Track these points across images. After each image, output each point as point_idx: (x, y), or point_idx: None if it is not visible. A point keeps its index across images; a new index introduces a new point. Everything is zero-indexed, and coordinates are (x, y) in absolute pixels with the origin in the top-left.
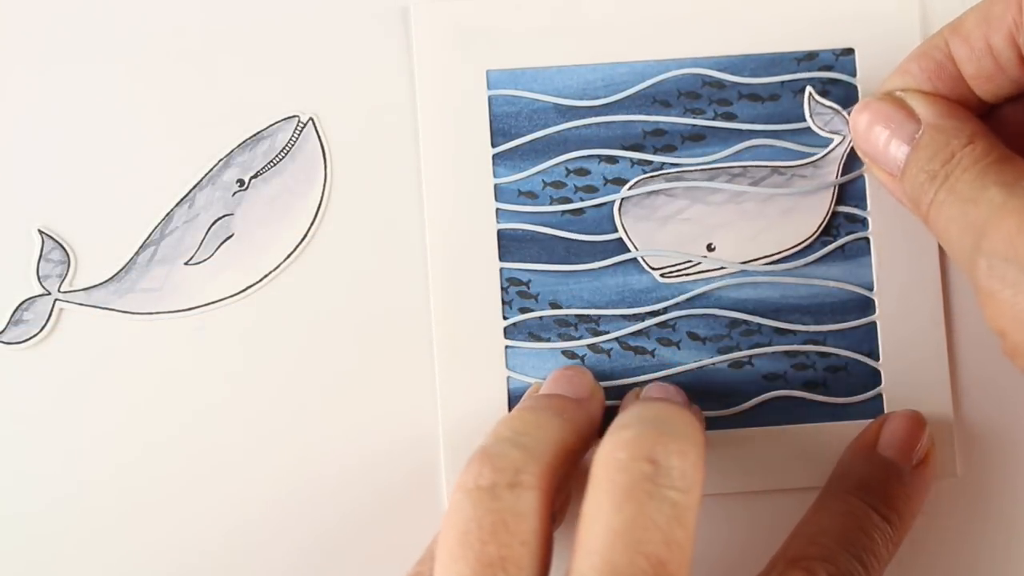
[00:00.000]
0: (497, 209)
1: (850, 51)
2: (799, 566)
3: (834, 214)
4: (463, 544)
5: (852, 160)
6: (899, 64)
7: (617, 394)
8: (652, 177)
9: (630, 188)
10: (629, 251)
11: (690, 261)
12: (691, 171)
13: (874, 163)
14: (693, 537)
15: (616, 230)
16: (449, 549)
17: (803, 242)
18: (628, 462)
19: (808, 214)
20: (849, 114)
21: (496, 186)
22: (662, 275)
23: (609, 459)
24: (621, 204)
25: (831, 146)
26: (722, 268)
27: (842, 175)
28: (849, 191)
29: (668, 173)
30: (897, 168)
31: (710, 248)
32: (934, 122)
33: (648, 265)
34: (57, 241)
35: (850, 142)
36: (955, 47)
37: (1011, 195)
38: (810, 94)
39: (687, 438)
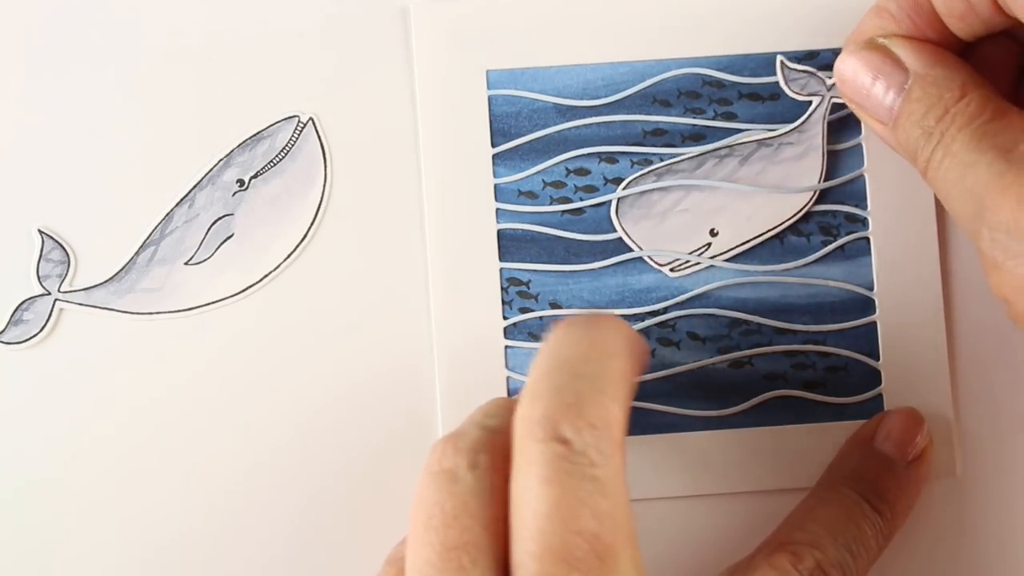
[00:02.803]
0: (497, 209)
1: None
2: (786, 549)
3: (834, 214)
4: (427, 528)
5: (836, 123)
6: (875, 3)
7: None
8: (643, 175)
9: (623, 190)
10: (629, 250)
11: (696, 252)
12: (679, 162)
13: (864, 112)
14: (623, 501)
15: (616, 230)
16: (416, 534)
17: (801, 209)
18: (541, 445)
19: (802, 180)
20: (822, 74)
21: (496, 186)
22: (671, 270)
23: (523, 443)
24: (618, 207)
25: (812, 108)
26: (729, 251)
27: (828, 132)
28: (848, 191)
29: (657, 168)
30: (889, 117)
31: (713, 233)
32: (923, 72)
33: (655, 263)
34: (57, 241)
35: (830, 100)
36: None
37: (1009, 164)
38: (782, 62)
39: (599, 397)
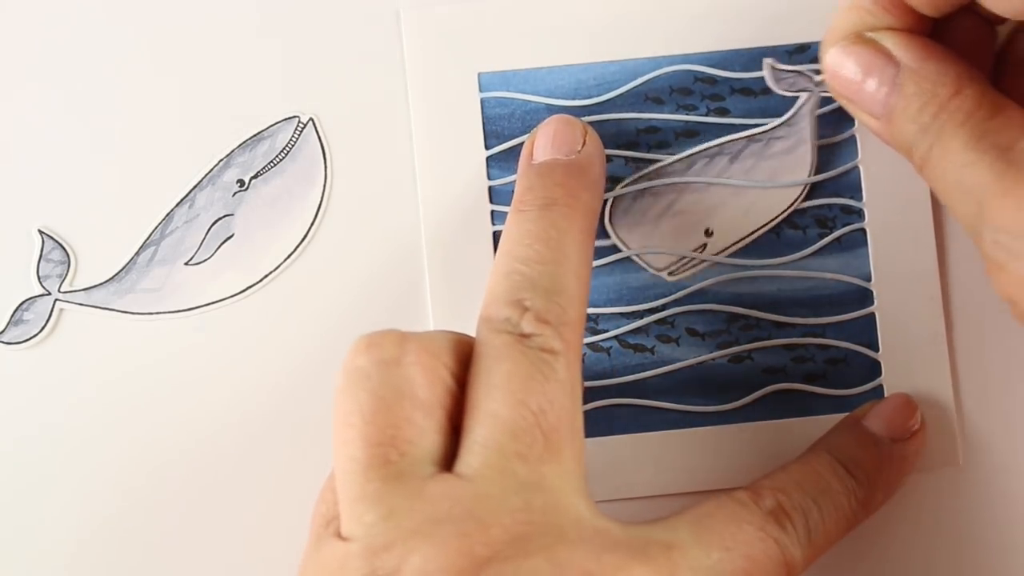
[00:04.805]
0: (492, 211)
1: None
2: (749, 489)
3: (829, 206)
4: (347, 426)
5: (829, 116)
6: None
7: (617, 393)
8: (632, 181)
9: (613, 198)
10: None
11: (689, 256)
12: (668, 164)
13: (855, 107)
14: (574, 394)
15: (609, 237)
16: (337, 432)
17: (795, 201)
18: (502, 335)
19: (793, 173)
20: (810, 71)
21: (491, 188)
22: (669, 274)
23: (482, 336)
24: (611, 216)
25: (800, 102)
26: (726, 249)
27: (821, 125)
28: (843, 183)
29: (647, 173)
30: (882, 112)
31: (708, 233)
32: (915, 66)
33: (652, 267)
34: (57, 241)
35: (819, 94)
36: None
37: (1009, 164)
38: (770, 64)
39: (556, 299)
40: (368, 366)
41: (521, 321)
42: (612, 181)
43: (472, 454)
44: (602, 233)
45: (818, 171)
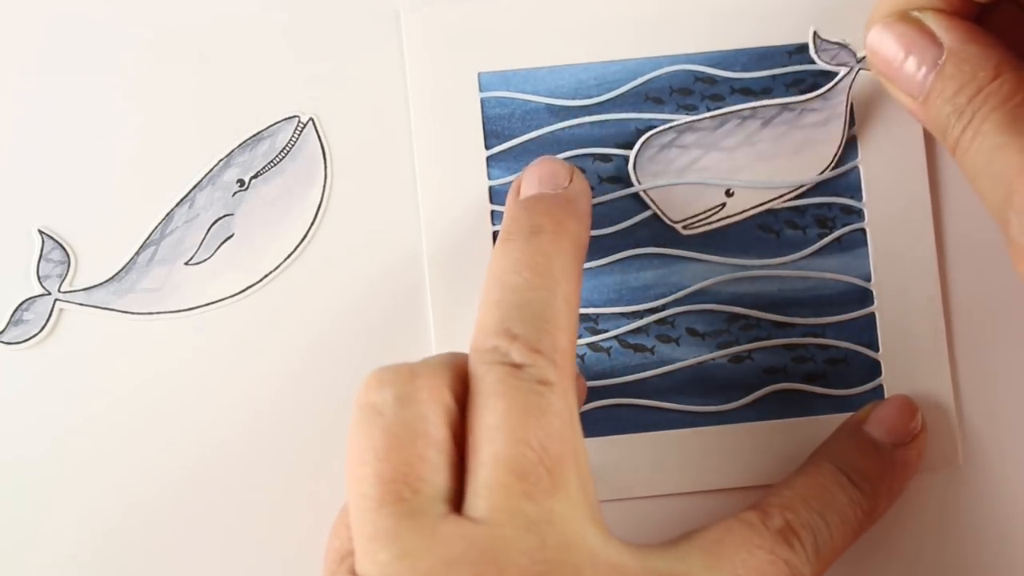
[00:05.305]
0: (492, 211)
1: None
2: (757, 509)
3: (829, 206)
4: (361, 463)
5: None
6: None
7: (617, 394)
8: (663, 131)
9: (641, 145)
10: (625, 249)
11: (711, 211)
12: (701, 120)
13: (895, 86)
14: (572, 422)
15: (617, 220)
16: (351, 469)
17: (822, 172)
18: (494, 367)
19: (822, 147)
20: (852, 47)
21: (491, 188)
22: (684, 227)
23: (477, 369)
24: (636, 162)
25: (839, 76)
26: (743, 212)
27: (851, 103)
28: (843, 183)
29: (678, 125)
30: (920, 92)
31: (729, 193)
32: (957, 48)
33: (669, 219)
34: (57, 241)
35: (857, 71)
36: None
37: None
38: (815, 33)
39: (545, 327)
40: (381, 403)
41: (511, 350)
42: (614, 181)
43: (480, 497)
44: (605, 223)
45: (844, 151)
